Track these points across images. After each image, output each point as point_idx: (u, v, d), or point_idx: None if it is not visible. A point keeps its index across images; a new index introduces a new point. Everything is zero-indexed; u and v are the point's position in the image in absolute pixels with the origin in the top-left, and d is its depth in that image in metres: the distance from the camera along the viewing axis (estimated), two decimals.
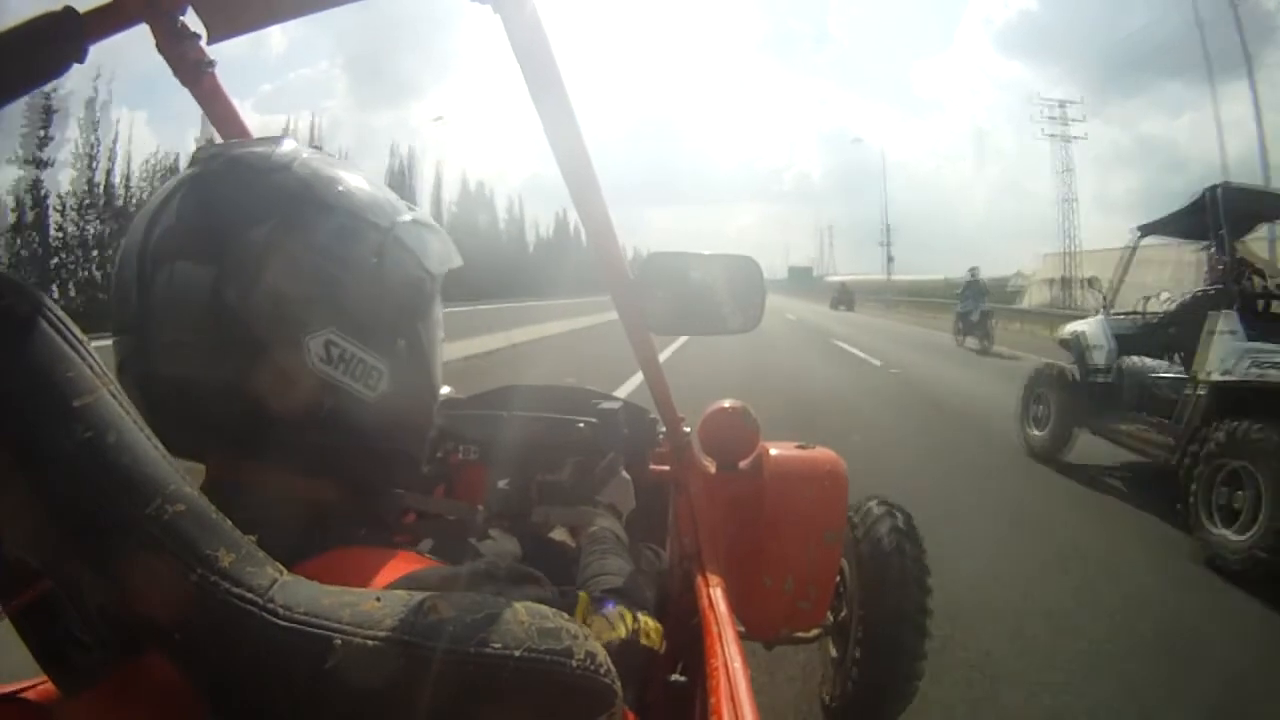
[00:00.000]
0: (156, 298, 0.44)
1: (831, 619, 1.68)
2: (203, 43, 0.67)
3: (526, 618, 0.37)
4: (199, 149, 0.50)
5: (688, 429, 1.29)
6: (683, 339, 9.97)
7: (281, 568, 0.34)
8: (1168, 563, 3.00)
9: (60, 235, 18.53)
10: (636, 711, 0.66)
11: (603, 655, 0.40)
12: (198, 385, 0.44)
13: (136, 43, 0.65)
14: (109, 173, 20.17)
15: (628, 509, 1.04)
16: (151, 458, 0.32)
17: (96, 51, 0.57)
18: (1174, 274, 9.94)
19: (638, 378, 5.26)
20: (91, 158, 19.84)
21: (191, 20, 0.65)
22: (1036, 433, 4.74)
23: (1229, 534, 2.89)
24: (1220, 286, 3.57)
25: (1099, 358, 4.45)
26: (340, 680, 0.32)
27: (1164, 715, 1.91)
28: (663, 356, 1.13)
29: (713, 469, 1.44)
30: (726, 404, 1.48)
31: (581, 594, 0.58)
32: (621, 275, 0.81)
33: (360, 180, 0.50)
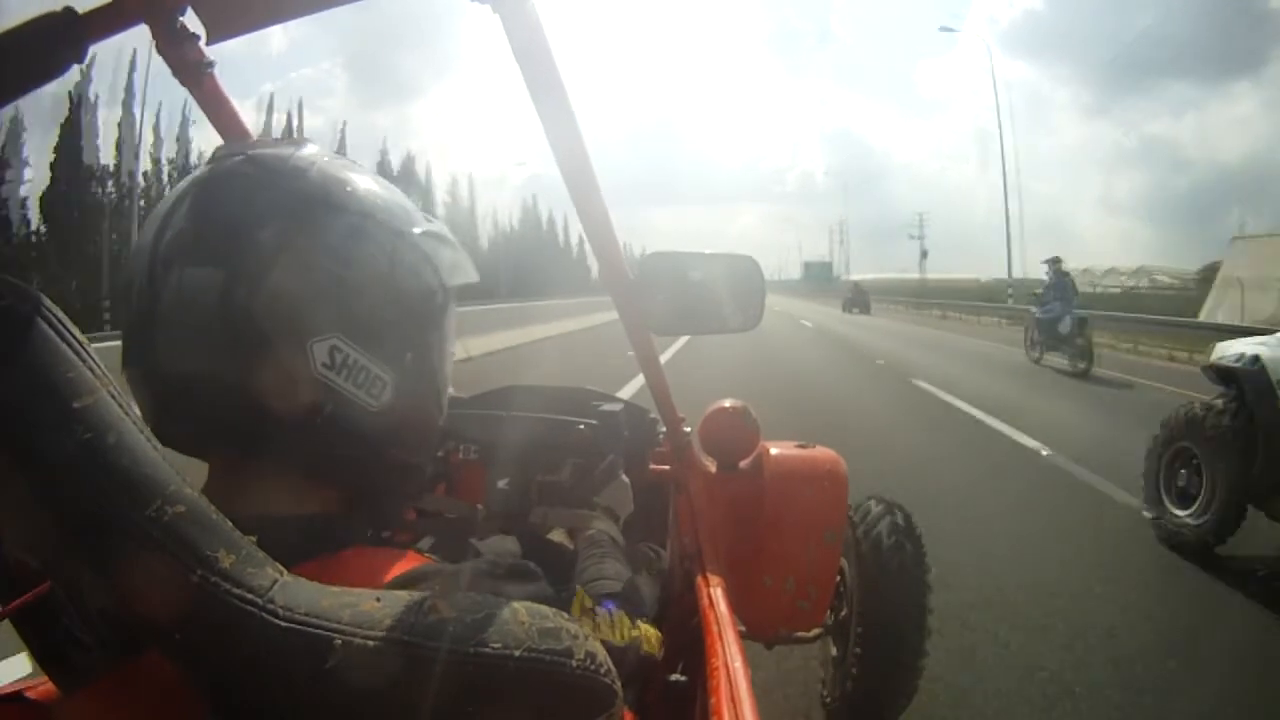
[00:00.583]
0: (166, 296, 0.43)
1: (832, 618, 1.68)
2: (202, 43, 0.67)
3: (527, 618, 0.37)
4: (218, 149, 0.49)
5: (688, 429, 1.29)
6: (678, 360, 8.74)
7: (281, 568, 0.34)
8: None
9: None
10: (636, 711, 0.66)
11: (603, 655, 0.40)
12: (202, 383, 0.43)
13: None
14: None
15: (626, 512, 1.04)
16: (151, 459, 0.32)
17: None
18: None
19: None
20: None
21: (191, 21, 0.65)
22: (1180, 513, 3.02)
23: None
24: None
25: None
26: (340, 680, 0.32)
27: None
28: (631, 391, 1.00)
29: (713, 469, 1.44)
30: (727, 404, 1.48)
31: (579, 595, 0.58)
32: (621, 275, 0.81)
33: (379, 187, 0.50)
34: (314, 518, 0.47)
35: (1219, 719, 1.91)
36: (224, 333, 0.43)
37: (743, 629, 1.31)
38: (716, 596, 0.94)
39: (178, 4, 0.62)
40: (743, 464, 1.49)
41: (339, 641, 0.32)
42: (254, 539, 0.34)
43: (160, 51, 0.65)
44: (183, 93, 0.69)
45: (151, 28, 0.63)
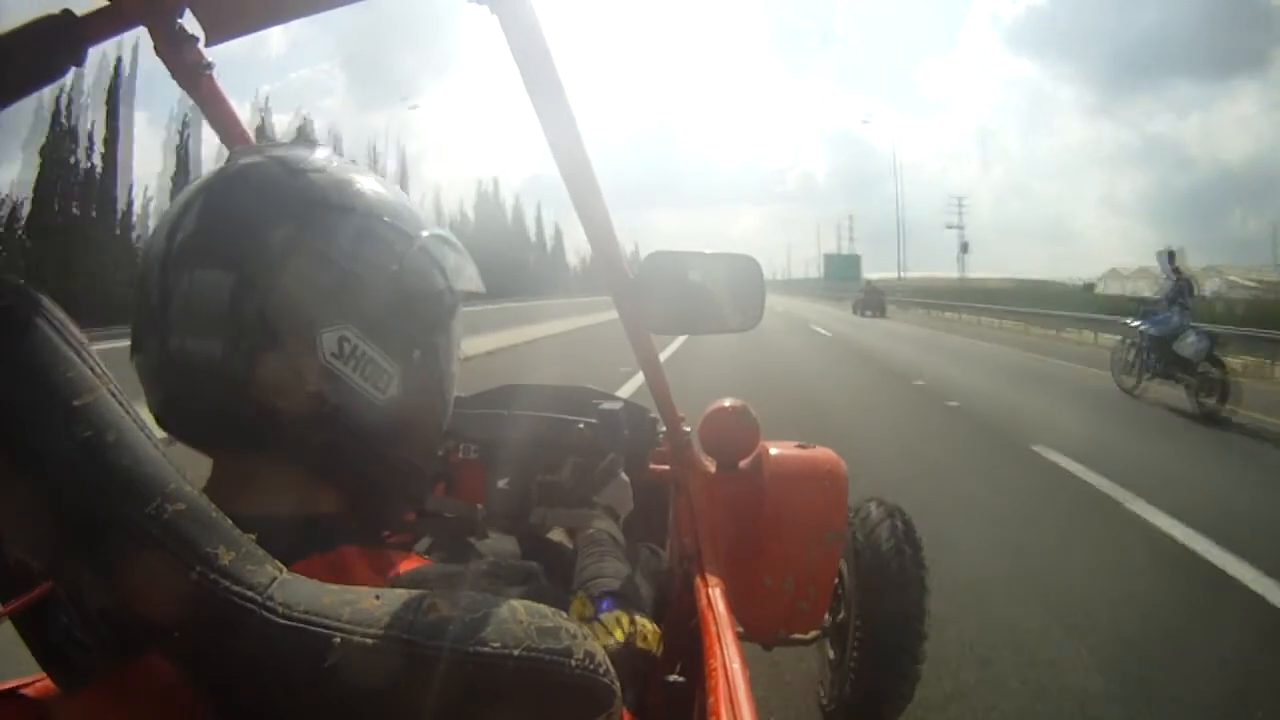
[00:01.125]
0: (178, 293, 0.44)
1: (830, 620, 1.67)
2: (201, 45, 0.67)
3: (526, 617, 0.37)
4: (234, 150, 0.50)
5: (688, 429, 1.29)
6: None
7: (281, 566, 0.34)
8: None
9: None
10: (635, 712, 0.66)
11: (602, 655, 0.40)
12: (211, 378, 0.44)
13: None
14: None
15: (625, 511, 1.04)
16: (151, 457, 0.32)
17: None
18: None
19: None
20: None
21: (190, 23, 0.65)
22: None
23: None
24: None
25: None
26: (339, 678, 0.32)
27: None
28: None
29: (713, 469, 1.44)
30: (727, 403, 1.48)
31: (579, 594, 0.58)
32: (621, 275, 0.81)
33: (387, 191, 0.50)
34: (315, 517, 0.47)
35: None
36: (233, 327, 0.43)
37: (741, 630, 1.31)
38: (715, 597, 0.94)
39: (176, 6, 0.63)
40: (742, 464, 1.49)
41: (338, 639, 0.32)
42: (254, 537, 0.34)
43: (159, 53, 0.66)
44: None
45: (150, 29, 0.63)
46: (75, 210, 20.11)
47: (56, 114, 19.88)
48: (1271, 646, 2.25)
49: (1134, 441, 5.29)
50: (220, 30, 0.66)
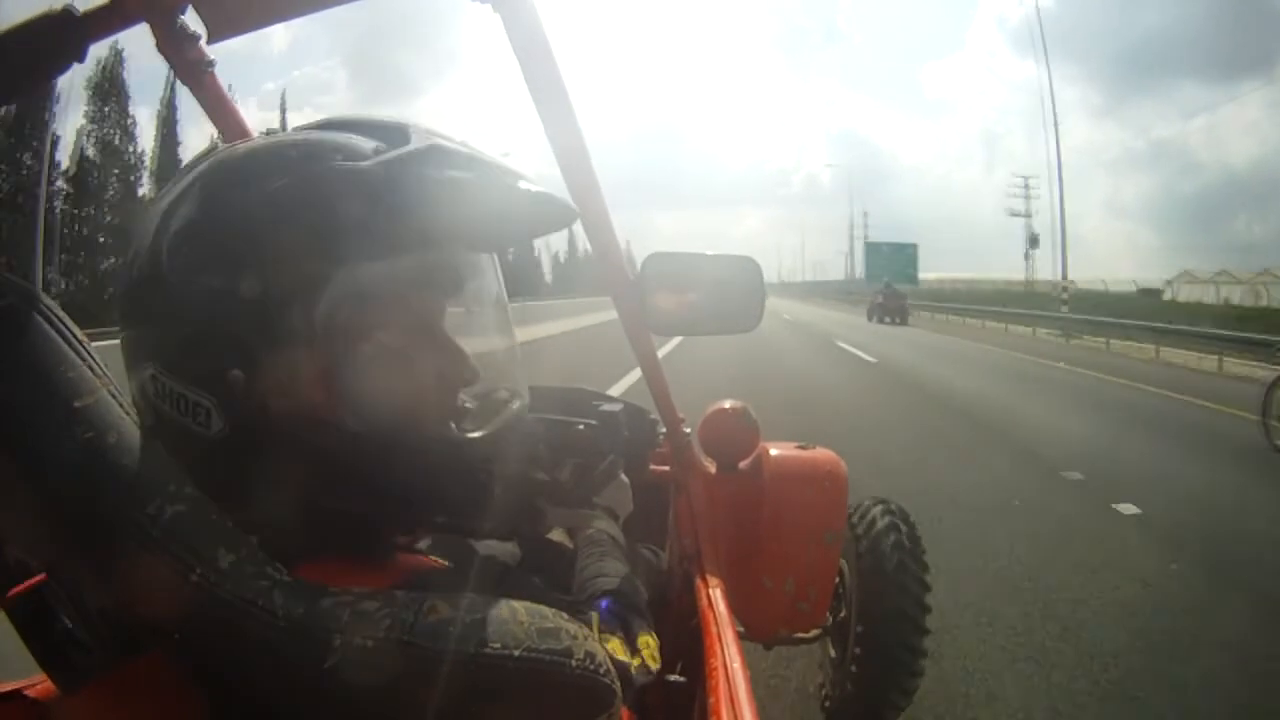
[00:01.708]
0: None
1: (831, 619, 1.68)
2: (203, 43, 0.67)
3: (526, 618, 0.37)
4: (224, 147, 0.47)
5: (688, 429, 1.29)
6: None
7: (281, 568, 0.34)
8: None
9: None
10: (635, 712, 0.66)
11: (602, 655, 0.40)
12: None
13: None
14: None
15: (625, 512, 1.04)
16: (151, 457, 0.32)
17: None
18: None
19: None
20: None
21: (192, 20, 0.65)
22: None
23: None
24: None
25: None
26: (340, 680, 0.32)
27: None
28: None
29: (713, 469, 1.44)
30: (727, 404, 1.48)
31: (593, 616, 0.56)
32: (622, 275, 0.81)
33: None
34: (317, 519, 0.46)
35: None
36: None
37: (742, 630, 1.31)
38: (716, 597, 0.94)
39: (178, 3, 0.62)
40: (742, 465, 1.48)
41: (338, 641, 0.32)
42: (255, 539, 0.34)
43: (161, 50, 0.65)
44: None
45: (152, 27, 0.63)
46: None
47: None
48: None
49: None
50: (222, 28, 0.66)
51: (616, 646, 0.58)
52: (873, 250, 47.28)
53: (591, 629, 0.54)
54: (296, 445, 0.42)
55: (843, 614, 1.68)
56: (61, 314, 0.32)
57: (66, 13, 0.54)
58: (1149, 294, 31.41)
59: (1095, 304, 21.54)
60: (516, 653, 0.35)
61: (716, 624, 0.86)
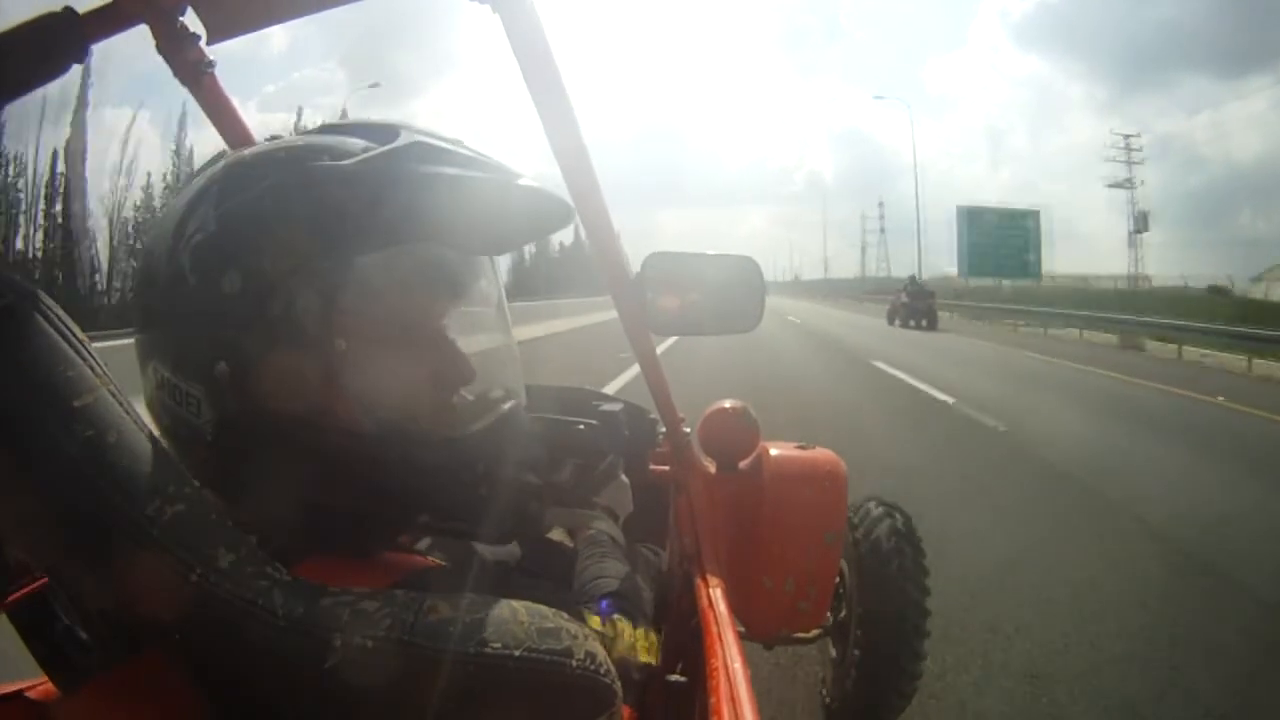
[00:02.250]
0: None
1: (831, 619, 1.68)
2: (202, 43, 0.67)
3: (526, 618, 0.37)
4: (267, 140, 0.48)
5: (688, 429, 1.29)
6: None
7: (280, 567, 0.34)
8: None
9: None
10: (636, 712, 0.66)
11: (602, 655, 0.40)
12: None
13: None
14: None
15: (625, 512, 1.04)
16: (152, 457, 0.32)
17: None
18: None
19: None
20: None
21: (191, 21, 0.65)
22: None
23: None
24: None
25: None
26: (340, 680, 0.32)
27: None
28: None
29: (713, 469, 1.44)
30: (727, 404, 1.48)
31: (588, 614, 0.56)
32: (621, 275, 0.81)
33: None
34: (316, 518, 0.46)
35: None
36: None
37: (742, 630, 1.31)
38: (716, 597, 0.94)
39: (177, 4, 0.63)
40: (742, 464, 1.48)
41: (338, 641, 0.32)
42: (254, 538, 0.34)
43: (160, 51, 0.66)
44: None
45: (152, 28, 0.63)
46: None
47: None
48: None
49: None
50: (222, 29, 0.66)
51: (616, 643, 0.58)
52: (973, 219, 30.38)
53: (591, 627, 0.54)
54: (286, 442, 0.42)
55: (843, 614, 1.68)
56: (61, 314, 0.32)
57: (66, 13, 0.54)
58: (1219, 292, 26.64)
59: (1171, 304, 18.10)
60: (517, 653, 0.35)
61: (716, 624, 0.86)
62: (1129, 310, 16.16)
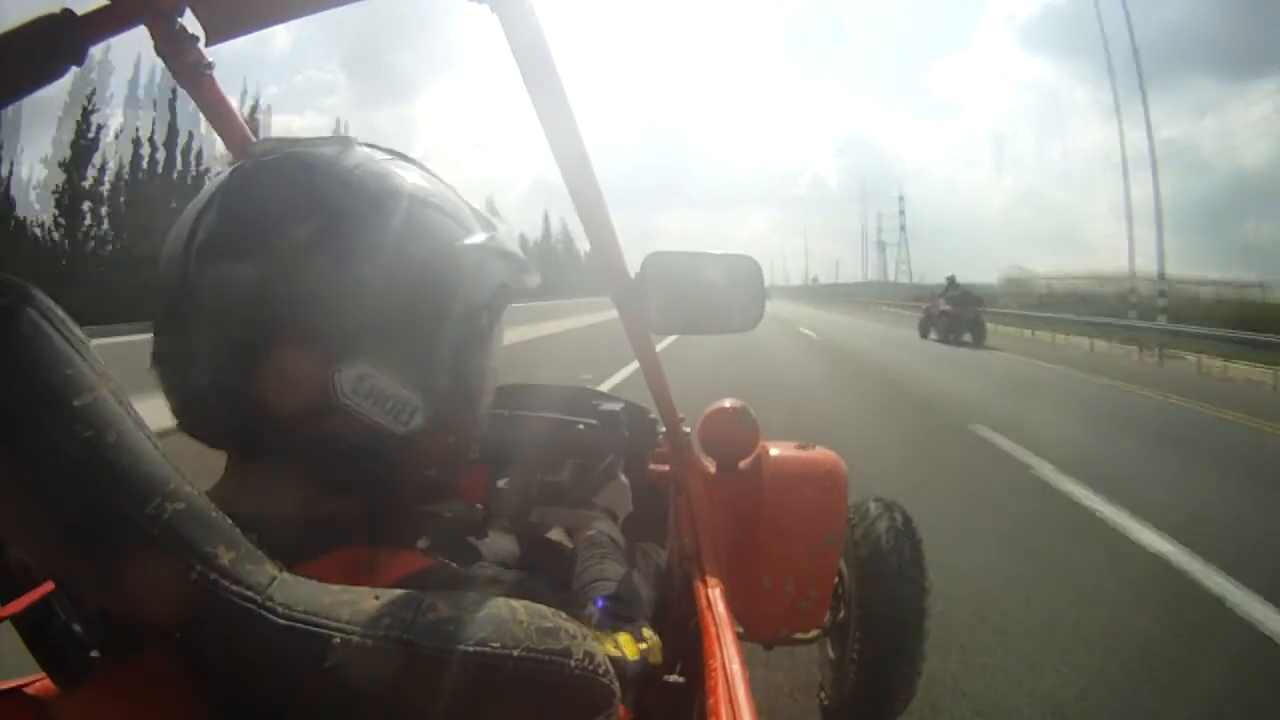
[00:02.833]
0: (200, 294, 0.42)
1: (830, 619, 1.68)
2: (201, 45, 0.67)
3: (525, 617, 0.37)
4: (256, 143, 0.48)
5: (687, 429, 1.29)
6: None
7: (281, 566, 0.34)
8: None
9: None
10: (635, 712, 0.66)
11: (601, 655, 0.40)
12: (228, 383, 0.43)
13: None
14: None
15: (624, 512, 1.04)
16: (151, 456, 0.32)
17: None
18: None
19: None
20: None
21: (190, 22, 0.66)
22: None
23: None
24: None
25: None
26: (339, 679, 0.32)
27: None
28: None
29: (712, 469, 1.44)
30: (726, 404, 1.48)
31: (593, 611, 0.56)
32: (621, 275, 0.81)
33: (433, 191, 0.47)
34: (318, 518, 0.46)
35: None
36: (250, 337, 0.42)
37: (741, 630, 1.31)
38: (715, 598, 0.94)
39: (176, 5, 0.63)
40: (742, 464, 1.49)
41: (338, 640, 0.32)
42: (254, 537, 0.34)
43: (159, 53, 0.66)
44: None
45: (150, 29, 0.63)
46: None
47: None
48: None
49: None
50: (220, 30, 0.66)
51: (616, 640, 0.58)
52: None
53: (590, 626, 0.54)
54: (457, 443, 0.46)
55: (842, 614, 1.68)
56: (61, 313, 0.32)
57: (65, 14, 0.54)
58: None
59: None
60: (516, 652, 0.35)
61: (716, 624, 0.86)
62: (1193, 319, 13.51)
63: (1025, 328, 17.92)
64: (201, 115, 0.74)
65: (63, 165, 17.58)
